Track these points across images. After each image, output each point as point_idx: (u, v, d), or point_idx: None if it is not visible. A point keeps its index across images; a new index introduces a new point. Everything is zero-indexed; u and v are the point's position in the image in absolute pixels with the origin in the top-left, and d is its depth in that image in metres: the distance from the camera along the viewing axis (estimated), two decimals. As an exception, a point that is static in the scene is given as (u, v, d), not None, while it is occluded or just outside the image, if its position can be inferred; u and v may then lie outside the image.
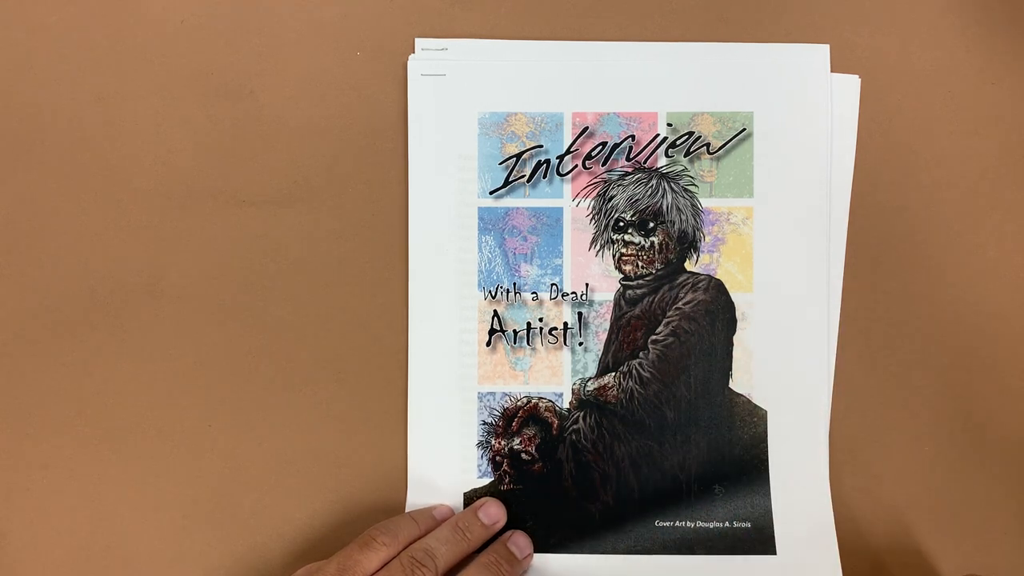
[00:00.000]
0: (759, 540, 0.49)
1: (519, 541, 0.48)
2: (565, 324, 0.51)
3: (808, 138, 0.50)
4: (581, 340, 0.51)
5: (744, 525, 0.49)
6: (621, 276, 0.51)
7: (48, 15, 0.51)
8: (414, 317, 0.50)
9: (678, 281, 0.51)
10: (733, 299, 0.50)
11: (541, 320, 0.51)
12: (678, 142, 0.51)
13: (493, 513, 0.48)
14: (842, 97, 0.51)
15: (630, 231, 0.51)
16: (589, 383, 0.50)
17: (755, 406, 0.50)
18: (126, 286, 0.51)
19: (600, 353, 0.51)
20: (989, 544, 0.51)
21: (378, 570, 0.44)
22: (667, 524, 0.49)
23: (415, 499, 0.50)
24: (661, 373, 0.50)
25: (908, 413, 0.51)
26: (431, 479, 0.50)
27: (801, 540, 0.49)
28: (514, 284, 0.51)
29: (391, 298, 0.51)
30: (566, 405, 0.51)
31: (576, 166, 0.51)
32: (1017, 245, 0.51)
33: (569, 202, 0.51)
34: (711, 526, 0.49)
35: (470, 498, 0.50)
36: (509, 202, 0.51)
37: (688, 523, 0.49)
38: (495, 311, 0.51)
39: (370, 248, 0.51)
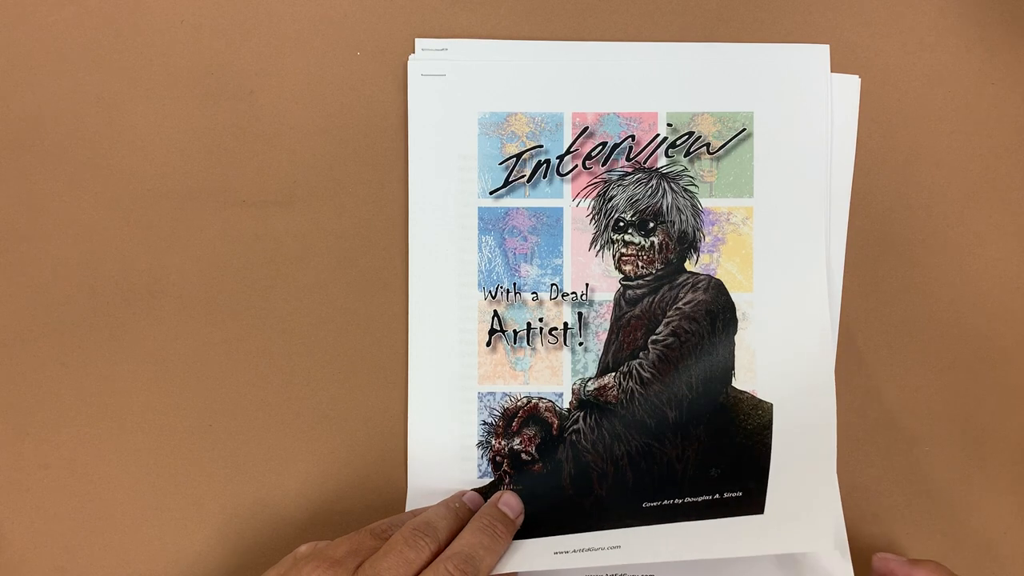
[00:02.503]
0: (748, 504, 0.48)
1: (510, 501, 0.48)
2: (565, 324, 0.51)
3: (808, 138, 0.50)
4: (581, 340, 0.51)
5: (735, 494, 0.49)
6: (621, 276, 0.51)
7: (48, 15, 0.51)
8: (414, 317, 0.50)
9: (678, 281, 0.51)
10: (733, 299, 0.50)
11: (541, 320, 0.51)
12: (678, 142, 0.51)
13: (476, 499, 0.49)
14: (842, 97, 0.51)
15: (630, 231, 0.51)
16: (589, 383, 0.50)
17: (760, 400, 0.50)
18: (126, 286, 0.51)
19: (600, 353, 0.51)
20: (989, 544, 0.51)
21: None
22: (655, 504, 0.49)
23: (415, 499, 0.50)
24: (661, 373, 0.50)
25: (908, 413, 0.51)
26: (431, 479, 0.50)
27: (793, 501, 0.48)
28: (514, 284, 0.51)
29: (391, 298, 0.51)
30: (566, 405, 0.51)
31: (576, 166, 0.51)
32: (1017, 245, 0.51)
33: (569, 202, 0.51)
34: (700, 499, 0.49)
35: (470, 498, 0.50)
36: (509, 202, 0.51)
37: (676, 500, 0.49)
38: (495, 311, 0.51)
39: (370, 248, 0.51)
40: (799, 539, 0.48)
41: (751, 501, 0.48)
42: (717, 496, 0.49)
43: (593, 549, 0.48)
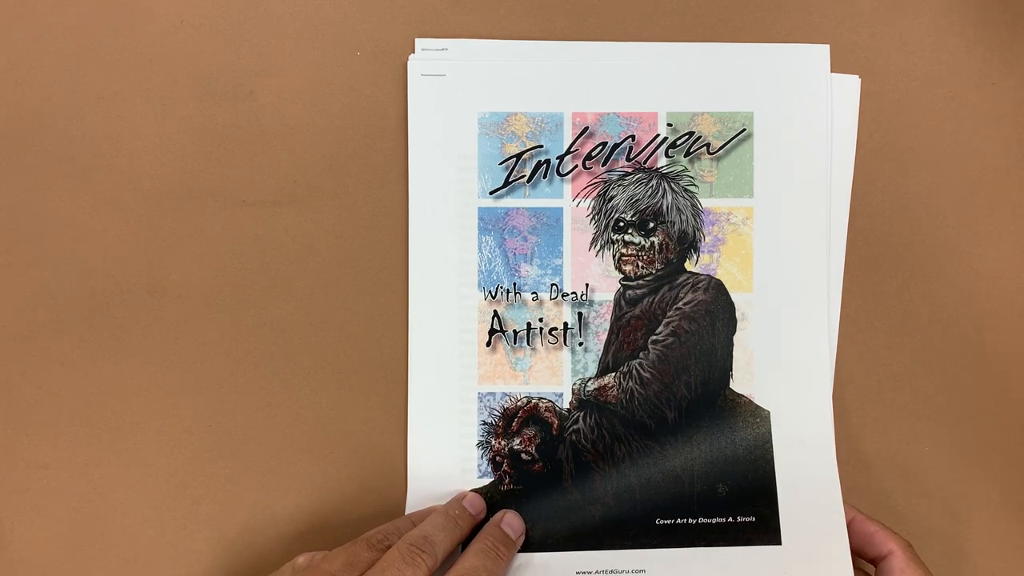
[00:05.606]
0: (764, 531, 0.49)
1: (512, 522, 0.48)
2: (565, 324, 0.51)
3: (808, 138, 0.50)
4: (581, 340, 0.51)
5: (748, 519, 0.49)
6: (621, 276, 0.51)
7: (48, 15, 0.51)
8: (414, 317, 0.50)
9: (678, 281, 0.51)
10: (733, 299, 0.50)
11: (541, 320, 0.51)
12: (678, 142, 0.51)
13: (477, 503, 0.49)
14: (842, 97, 0.51)
15: (630, 231, 0.51)
16: (589, 383, 0.50)
17: (757, 407, 0.50)
18: (126, 286, 0.51)
19: (600, 353, 0.51)
20: (989, 544, 0.51)
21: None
22: (668, 522, 0.49)
23: (415, 499, 0.50)
24: (661, 373, 0.50)
25: (908, 413, 0.51)
26: (431, 479, 0.50)
27: (809, 531, 0.48)
28: (514, 284, 0.51)
29: (391, 298, 0.51)
30: (566, 405, 0.51)
31: (576, 166, 0.51)
32: (1017, 245, 0.51)
33: (569, 202, 0.51)
34: (713, 521, 0.49)
35: (470, 498, 0.50)
36: (509, 202, 0.51)
37: (690, 520, 0.49)
38: (495, 311, 0.51)
39: (370, 248, 0.51)
40: (821, 573, 0.48)
41: (766, 528, 0.49)
42: (731, 519, 0.49)
43: (617, 572, 0.48)
